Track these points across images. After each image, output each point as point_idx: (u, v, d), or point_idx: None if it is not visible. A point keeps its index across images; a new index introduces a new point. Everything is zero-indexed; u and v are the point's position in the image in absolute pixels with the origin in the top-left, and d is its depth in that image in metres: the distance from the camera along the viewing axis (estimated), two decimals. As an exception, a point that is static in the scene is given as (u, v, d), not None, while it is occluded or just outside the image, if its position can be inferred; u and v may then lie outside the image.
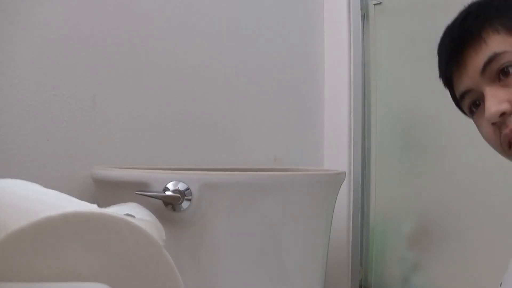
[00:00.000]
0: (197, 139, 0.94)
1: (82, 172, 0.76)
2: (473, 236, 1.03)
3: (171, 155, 0.89)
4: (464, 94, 0.58)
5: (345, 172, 0.91)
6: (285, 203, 0.75)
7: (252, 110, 1.07)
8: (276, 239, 0.74)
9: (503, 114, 0.53)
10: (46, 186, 0.43)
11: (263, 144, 1.09)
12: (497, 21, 0.54)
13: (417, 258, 1.16)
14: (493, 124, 0.55)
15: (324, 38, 1.26)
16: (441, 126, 1.11)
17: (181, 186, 0.66)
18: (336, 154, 1.21)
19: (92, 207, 0.34)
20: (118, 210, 0.40)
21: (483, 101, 0.56)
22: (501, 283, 0.60)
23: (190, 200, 0.66)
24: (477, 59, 0.55)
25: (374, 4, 1.23)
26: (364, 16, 1.23)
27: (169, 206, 0.66)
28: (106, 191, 0.73)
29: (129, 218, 0.34)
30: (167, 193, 0.65)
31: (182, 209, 0.66)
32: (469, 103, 0.59)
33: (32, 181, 0.44)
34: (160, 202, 0.65)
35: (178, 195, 0.65)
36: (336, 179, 0.86)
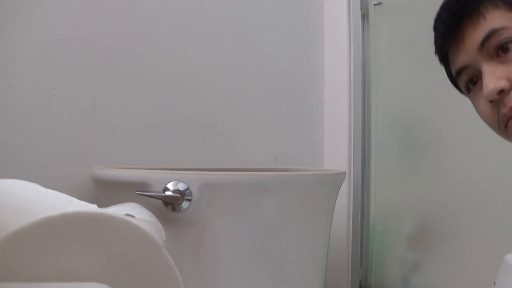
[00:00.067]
0: (197, 139, 0.94)
1: (82, 172, 0.76)
2: (473, 236, 1.03)
3: (171, 155, 0.89)
4: (460, 71, 0.57)
5: (345, 172, 0.91)
6: (285, 203, 0.75)
7: (252, 110, 1.07)
8: (276, 239, 0.74)
9: (501, 92, 0.52)
10: (46, 186, 0.43)
11: (263, 144, 1.09)
12: None
13: (417, 258, 1.16)
14: (491, 101, 0.53)
15: (324, 38, 1.26)
16: (441, 126, 1.11)
17: (181, 186, 0.66)
18: (336, 154, 1.21)
19: (92, 207, 0.34)
20: (118, 210, 0.40)
21: (480, 78, 0.54)
22: (494, 282, 0.60)
23: (190, 200, 0.66)
24: (475, 34, 0.53)
25: (374, 4, 1.23)
26: (364, 16, 1.23)
27: (169, 206, 0.66)
28: (106, 191, 0.73)
29: (129, 218, 0.34)
30: (167, 193, 0.65)
31: (182, 209, 0.66)
32: (466, 80, 0.57)
33: (32, 181, 0.44)
34: (160, 202, 0.65)
35: (178, 195, 0.65)
36: (336, 179, 0.86)
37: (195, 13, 0.96)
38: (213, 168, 0.85)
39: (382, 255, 1.20)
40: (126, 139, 0.83)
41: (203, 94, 0.96)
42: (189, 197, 0.66)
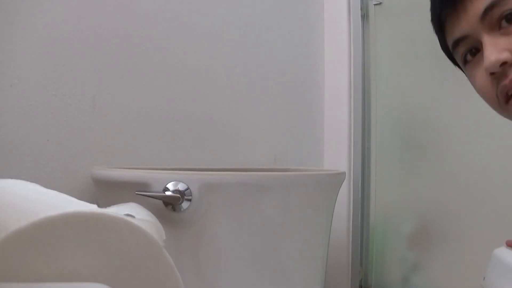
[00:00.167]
0: (197, 139, 0.94)
1: (82, 172, 0.76)
2: (473, 236, 1.03)
3: (171, 155, 0.89)
4: (458, 41, 0.54)
5: (345, 172, 0.91)
6: (285, 203, 0.75)
7: (252, 110, 1.07)
8: (276, 239, 0.74)
9: (503, 64, 0.49)
10: (46, 186, 0.43)
11: (263, 144, 1.09)
12: None
13: (417, 258, 1.16)
14: (491, 74, 0.51)
15: (324, 38, 1.26)
16: (441, 126, 1.11)
17: (181, 186, 0.66)
18: (336, 154, 1.21)
19: (92, 207, 0.34)
20: (118, 210, 0.40)
21: (479, 49, 0.52)
22: (484, 277, 0.60)
23: (190, 200, 0.66)
24: (478, 3, 0.50)
25: (374, 4, 1.23)
26: (364, 16, 1.23)
27: (169, 206, 0.66)
28: (106, 191, 0.73)
29: (129, 218, 0.34)
30: (167, 193, 0.65)
31: (182, 209, 0.66)
32: (464, 51, 0.55)
33: (32, 181, 0.44)
34: (160, 202, 0.65)
35: (178, 195, 0.65)
36: (336, 179, 0.86)
37: (195, 13, 0.96)
38: (213, 168, 0.85)
39: (382, 255, 1.20)
40: (126, 139, 0.83)
41: (203, 94, 0.96)
42: (189, 197, 0.66)
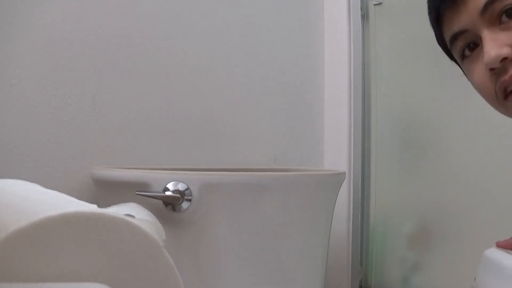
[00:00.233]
0: (197, 139, 0.94)
1: (82, 172, 0.76)
2: (473, 236, 1.03)
3: (171, 155, 0.89)
4: (457, 35, 0.53)
5: (345, 172, 0.91)
6: (285, 203, 0.75)
7: (252, 110, 1.07)
8: (276, 239, 0.74)
9: (504, 59, 0.48)
10: (46, 186, 0.43)
11: (263, 144, 1.09)
12: None
13: (417, 258, 1.16)
14: (491, 69, 0.50)
15: (324, 38, 1.26)
16: (441, 126, 1.11)
17: (181, 186, 0.66)
18: (336, 154, 1.21)
19: (92, 207, 0.34)
20: (118, 210, 0.40)
21: (479, 44, 0.52)
22: (475, 278, 0.60)
23: (190, 200, 0.66)
24: None
25: (374, 4, 1.23)
26: (364, 16, 1.23)
27: (169, 206, 0.66)
28: (106, 191, 0.73)
29: (129, 218, 0.34)
30: (167, 193, 0.65)
31: (182, 209, 0.66)
32: (462, 45, 0.54)
33: (32, 181, 0.44)
34: (160, 202, 0.65)
35: (178, 195, 0.65)
36: (336, 179, 0.86)
37: (195, 13, 0.96)
38: (213, 168, 0.85)
39: (382, 255, 1.20)
40: (126, 139, 0.83)
41: (203, 94, 0.96)
42: (189, 197, 0.66)
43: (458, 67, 0.60)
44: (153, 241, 0.35)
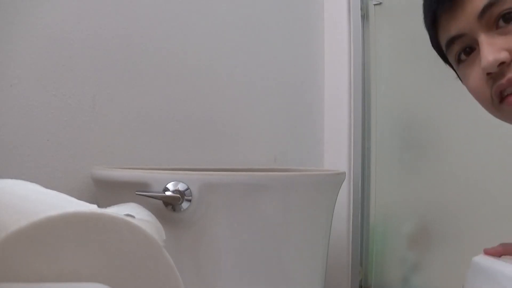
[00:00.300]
0: (197, 139, 0.94)
1: (82, 172, 0.76)
2: (473, 236, 1.03)
3: (171, 155, 0.89)
4: (454, 39, 0.53)
5: (345, 172, 0.91)
6: (285, 204, 0.75)
7: (252, 110, 1.07)
8: (276, 239, 0.74)
9: (501, 64, 0.48)
10: (46, 186, 0.43)
11: (263, 144, 1.09)
12: None
13: (417, 258, 1.16)
14: (488, 74, 0.50)
15: (324, 38, 1.26)
16: (441, 126, 1.11)
17: (181, 187, 0.66)
18: (336, 154, 1.21)
19: (92, 207, 0.34)
20: (118, 210, 0.40)
21: (475, 48, 0.51)
22: (463, 286, 0.60)
23: (190, 200, 0.66)
24: (476, 1, 0.49)
25: (374, 4, 1.23)
26: (364, 16, 1.23)
27: (169, 207, 0.66)
28: (106, 191, 0.73)
29: (129, 218, 0.34)
30: (167, 193, 0.65)
31: (182, 210, 0.66)
32: (458, 49, 0.54)
33: (32, 181, 0.44)
34: (160, 202, 0.65)
35: (178, 195, 0.65)
36: (336, 179, 0.86)
37: (195, 13, 0.96)
38: (213, 168, 0.85)
39: (382, 255, 1.20)
40: (126, 139, 0.83)
41: (203, 94, 0.96)
42: (189, 197, 0.66)
43: (451, 68, 0.60)
44: (153, 241, 0.35)
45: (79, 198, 0.39)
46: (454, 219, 1.07)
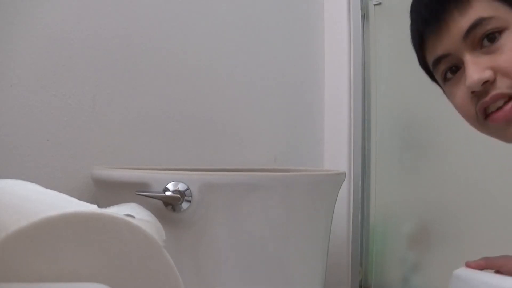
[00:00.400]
0: (197, 139, 0.94)
1: (82, 172, 0.76)
2: (473, 236, 1.03)
3: (171, 155, 0.89)
4: (440, 59, 0.55)
5: (345, 172, 0.91)
6: (285, 204, 0.75)
7: (252, 110, 1.07)
8: (276, 240, 0.74)
9: (485, 82, 0.50)
10: (46, 186, 0.43)
11: (263, 144, 1.09)
12: None
13: (417, 258, 1.16)
14: (473, 92, 0.52)
15: (324, 38, 1.26)
16: (441, 126, 1.11)
17: (181, 187, 0.66)
18: (336, 154, 1.21)
19: (92, 207, 0.34)
20: (118, 211, 0.40)
21: (461, 67, 0.53)
22: None
23: (190, 200, 0.66)
24: (461, 21, 0.51)
25: (374, 5, 1.23)
26: (364, 16, 1.23)
27: (169, 207, 0.66)
28: (106, 191, 0.73)
29: (129, 219, 0.34)
30: (167, 193, 0.65)
31: (182, 210, 0.66)
32: (444, 68, 0.56)
33: (32, 181, 0.44)
34: (160, 202, 0.65)
35: (178, 195, 0.65)
36: (336, 179, 0.86)
37: (195, 13, 0.96)
38: (213, 168, 0.85)
39: (382, 255, 1.20)
40: (126, 139, 0.83)
41: (203, 94, 0.96)
42: (189, 198, 0.66)
43: (438, 86, 0.62)
44: (153, 241, 0.35)
45: (79, 198, 0.39)
46: (454, 219, 1.07)
